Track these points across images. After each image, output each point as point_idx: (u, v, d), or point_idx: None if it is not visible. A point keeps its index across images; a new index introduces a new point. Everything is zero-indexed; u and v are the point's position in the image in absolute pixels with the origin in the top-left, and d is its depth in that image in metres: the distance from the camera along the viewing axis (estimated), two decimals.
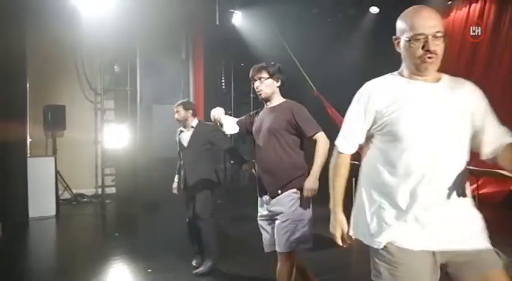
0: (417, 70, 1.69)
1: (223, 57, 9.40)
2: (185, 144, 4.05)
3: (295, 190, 2.75)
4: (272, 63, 2.95)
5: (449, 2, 7.81)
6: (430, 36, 1.64)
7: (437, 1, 7.82)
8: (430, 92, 1.67)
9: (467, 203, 1.68)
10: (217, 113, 3.11)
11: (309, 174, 2.78)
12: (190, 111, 4.08)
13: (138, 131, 7.58)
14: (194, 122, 4.08)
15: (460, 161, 1.65)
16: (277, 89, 2.92)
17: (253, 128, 3.00)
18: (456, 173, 1.62)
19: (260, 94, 2.91)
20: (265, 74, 2.88)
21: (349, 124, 1.82)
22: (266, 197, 2.84)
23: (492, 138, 1.68)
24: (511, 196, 6.83)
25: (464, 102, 1.67)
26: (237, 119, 3.17)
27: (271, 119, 2.85)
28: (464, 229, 1.63)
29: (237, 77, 9.76)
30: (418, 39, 1.65)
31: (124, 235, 5.75)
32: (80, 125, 8.14)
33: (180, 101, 4.19)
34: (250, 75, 2.95)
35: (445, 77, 1.74)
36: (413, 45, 1.66)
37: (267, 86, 2.89)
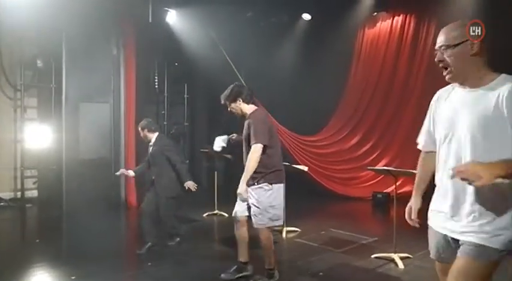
0: None
1: (157, 56, 9.18)
2: (150, 157, 4.85)
3: (258, 183, 3.52)
4: (229, 90, 3.70)
5: (375, 14, 8.32)
6: (438, 51, 1.88)
7: (363, 12, 8.33)
8: (460, 98, 1.89)
9: None
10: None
11: (276, 171, 3.55)
12: (146, 129, 4.84)
13: (63, 131, 7.14)
14: (154, 137, 4.84)
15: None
16: (243, 106, 3.67)
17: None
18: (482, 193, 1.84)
19: (236, 115, 3.74)
20: (226, 103, 3.71)
21: None
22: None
23: None
24: (426, 195, 7.42)
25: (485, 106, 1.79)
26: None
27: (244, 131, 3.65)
28: None
29: (171, 76, 9.59)
30: (435, 55, 1.91)
31: (46, 241, 5.40)
32: None
33: (140, 123, 4.96)
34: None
35: (492, 83, 1.81)
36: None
37: (234, 109, 3.71)
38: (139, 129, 4.90)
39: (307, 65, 8.80)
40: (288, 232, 5.45)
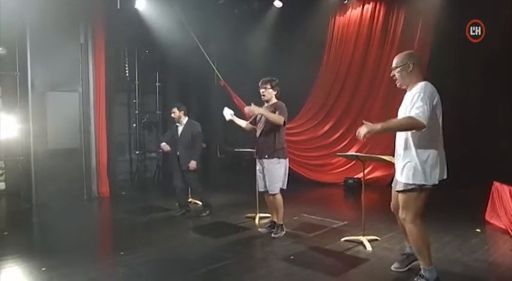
0: None
1: (127, 43, 9.00)
2: (179, 135, 5.90)
3: (276, 158, 4.60)
4: (273, 78, 4.72)
5: (346, 1, 8.39)
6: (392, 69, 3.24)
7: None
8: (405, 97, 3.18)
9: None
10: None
11: (283, 148, 4.68)
12: (183, 111, 5.94)
13: (30, 121, 6.94)
14: (185, 120, 5.95)
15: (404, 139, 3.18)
16: (273, 95, 4.70)
17: (256, 119, 4.86)
18: (401, 146, 3.18)
19: (263, 97, 4.70)
20: (268, 86, 4.68)
21: None
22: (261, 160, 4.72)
23: None
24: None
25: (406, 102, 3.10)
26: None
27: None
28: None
29: (141, 64, 9.42)
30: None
31: (15, 233, 5.29)
32: None
33: (175, 104, 5.99)
34: (259, 84, 4.72)
35: (413, 88, 3.09)
36: None
37: (269, 93, 4.69)
38: (176, 109, 5.87)
39: (279, 52, 8.82)
40: (260, 218, 5.54)
